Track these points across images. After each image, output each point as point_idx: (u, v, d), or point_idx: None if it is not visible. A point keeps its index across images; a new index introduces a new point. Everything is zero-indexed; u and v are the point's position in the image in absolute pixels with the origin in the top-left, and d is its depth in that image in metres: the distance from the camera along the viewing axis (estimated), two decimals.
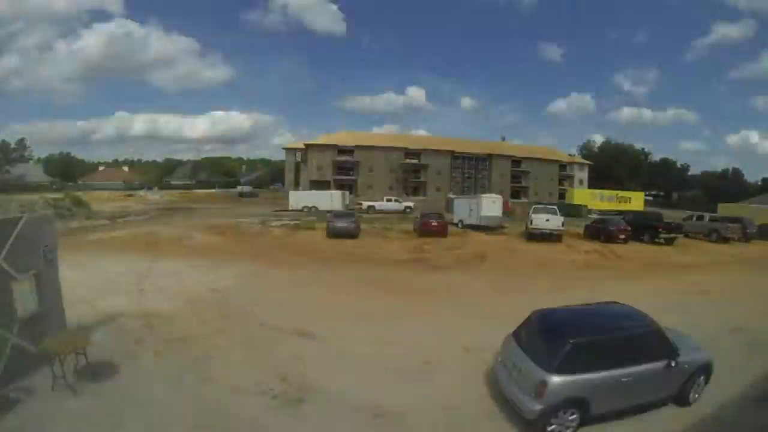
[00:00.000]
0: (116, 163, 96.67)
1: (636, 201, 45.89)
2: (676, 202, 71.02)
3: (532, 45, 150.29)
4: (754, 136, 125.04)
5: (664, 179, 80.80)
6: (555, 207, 22.95)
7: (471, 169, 66.06)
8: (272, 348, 7.45)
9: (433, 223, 21.48)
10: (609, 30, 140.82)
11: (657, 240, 21.42)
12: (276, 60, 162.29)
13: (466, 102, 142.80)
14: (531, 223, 20.55)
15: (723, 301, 11.39)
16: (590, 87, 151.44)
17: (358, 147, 61.53)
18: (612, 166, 74.10)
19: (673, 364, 5.37)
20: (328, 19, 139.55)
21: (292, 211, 33.61)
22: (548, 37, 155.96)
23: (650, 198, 66.91)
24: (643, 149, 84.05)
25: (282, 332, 8.16)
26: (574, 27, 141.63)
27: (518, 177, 67.50)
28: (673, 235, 21.89)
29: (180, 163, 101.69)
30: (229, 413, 5.39)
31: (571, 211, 31.96)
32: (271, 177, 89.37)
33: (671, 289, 12.41)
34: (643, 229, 21.97)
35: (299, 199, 36.38)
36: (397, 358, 7.09)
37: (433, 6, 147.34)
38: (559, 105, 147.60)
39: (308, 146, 62.35)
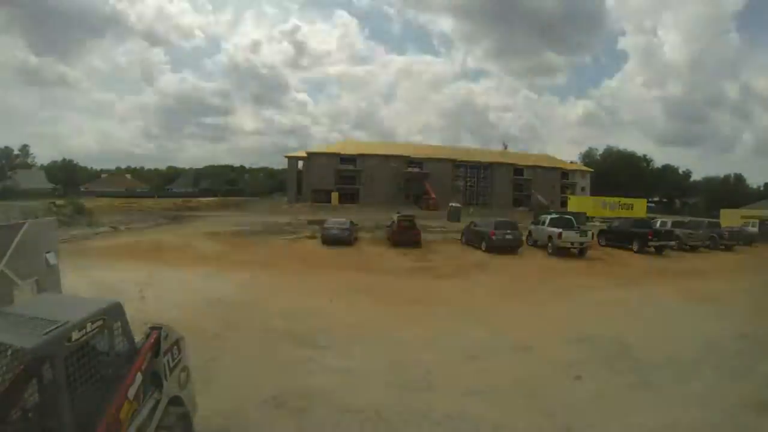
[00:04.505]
0: (119, 170, 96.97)
1: (638, 208, 45.65)
2: (679, 208, 70.86)
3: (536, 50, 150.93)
4: (756, 140, 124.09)
5: (666, 186, 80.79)
6: (571, 217, 21.15)
7: (473, 178, 66.16)
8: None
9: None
10: (611, 37, 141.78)
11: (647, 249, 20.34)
12: None
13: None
14: (559, 237, 18.74)
15: None
16: (593, 94, 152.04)
17: (360, 155, 61.71)
18: (614, 173, 74.17)
19: None
20: None
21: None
22: (551, 44, 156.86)
23: (652, 205, 66.78)
24: (644, 156, 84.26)
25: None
26: (578, 35, 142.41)
27: (520, 185, 67.50)
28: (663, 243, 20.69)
29: (182, 171, 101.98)
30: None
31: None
32: (271, 186, 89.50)
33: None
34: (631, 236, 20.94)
35: None
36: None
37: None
38: (562, 112, 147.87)
39: (310, 155, 62.44)
